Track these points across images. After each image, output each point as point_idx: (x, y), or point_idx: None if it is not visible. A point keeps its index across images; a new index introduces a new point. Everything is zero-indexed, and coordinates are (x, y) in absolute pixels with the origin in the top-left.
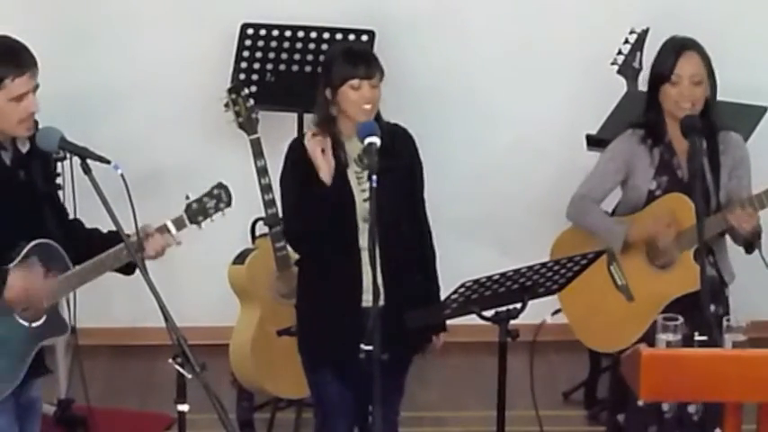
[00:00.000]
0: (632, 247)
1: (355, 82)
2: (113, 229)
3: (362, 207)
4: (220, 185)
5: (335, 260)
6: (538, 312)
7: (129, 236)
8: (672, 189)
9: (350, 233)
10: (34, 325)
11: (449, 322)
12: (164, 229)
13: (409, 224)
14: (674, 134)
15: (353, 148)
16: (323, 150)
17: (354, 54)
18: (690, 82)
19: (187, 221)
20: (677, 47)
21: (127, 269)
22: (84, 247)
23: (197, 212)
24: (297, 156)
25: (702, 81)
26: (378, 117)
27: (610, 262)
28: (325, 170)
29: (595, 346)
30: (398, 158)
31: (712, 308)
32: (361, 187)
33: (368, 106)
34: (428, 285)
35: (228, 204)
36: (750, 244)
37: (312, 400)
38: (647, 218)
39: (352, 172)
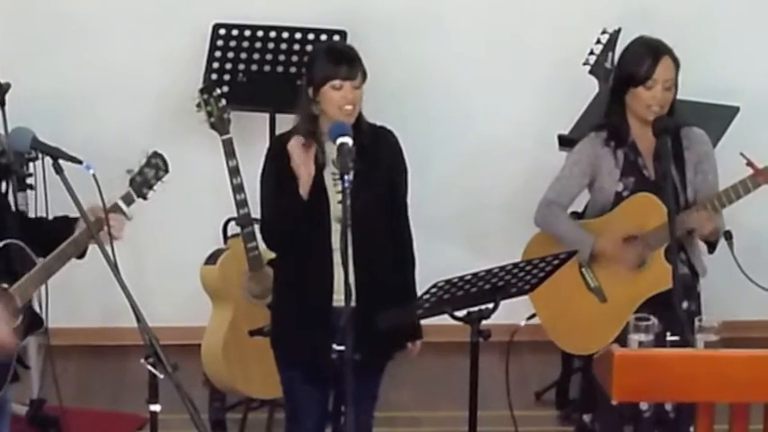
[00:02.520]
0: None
1: (336, 82)
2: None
3: (336, 208)
4: (156, 154)
5: (308, 260)
6: (509, 313)
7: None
8: (639, 189)
9: (323, 233)
10: (14, 325)
11: (421, 323)
12: (116, 208)
13: (387, 227)
14: (638, 134)
15: (333, 148)
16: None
17: (337, 54)
18: (663, 87)
19: (135, 195)
20: (654, 51)
21: (80, 254)
22: (33, 237)
23: (141, 185)
24: (276, 152)
25: (672, 86)
26: (359, 118)
27: (582, 264)
28: (305, 181)
29: (569, 348)
30: (378, 160)
31: (684, 305)
32: (336, 188)
33: (349, 107)
34: (406, 291)
35: (166, 171)
36: (712, 244)
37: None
38: (616, 223)
39: (329, 173)
